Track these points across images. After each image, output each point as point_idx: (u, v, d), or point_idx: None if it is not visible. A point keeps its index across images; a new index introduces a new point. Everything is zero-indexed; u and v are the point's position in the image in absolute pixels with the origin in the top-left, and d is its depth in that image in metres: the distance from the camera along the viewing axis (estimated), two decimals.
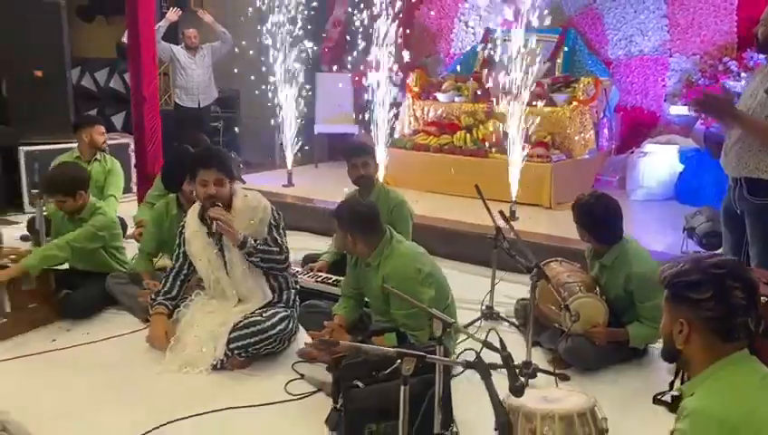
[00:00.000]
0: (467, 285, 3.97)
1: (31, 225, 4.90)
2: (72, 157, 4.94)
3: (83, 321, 3.57)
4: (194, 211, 3.22)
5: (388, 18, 6.14)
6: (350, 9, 7.62)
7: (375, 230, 2.95)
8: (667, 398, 2.76)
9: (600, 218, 3.13)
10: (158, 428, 2.57)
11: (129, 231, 4.81)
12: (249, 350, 3.04)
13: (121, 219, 4.83)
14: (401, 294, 2.38)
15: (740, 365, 1.50)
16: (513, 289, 3.95)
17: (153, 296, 3.32)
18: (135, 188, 6.34)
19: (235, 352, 3.03)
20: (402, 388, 1.97)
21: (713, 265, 1.52)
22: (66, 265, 3.81)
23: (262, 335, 3.03)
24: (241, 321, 3.06)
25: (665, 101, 6.72)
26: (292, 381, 2.95)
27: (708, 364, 1.52)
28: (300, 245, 4.79)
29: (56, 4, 6.27)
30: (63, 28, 6.30)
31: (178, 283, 3.32)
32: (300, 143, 6.94)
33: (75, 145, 5.08)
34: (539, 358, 3.13)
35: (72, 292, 3.67)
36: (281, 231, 3.22)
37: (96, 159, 4.98)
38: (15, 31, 6.13)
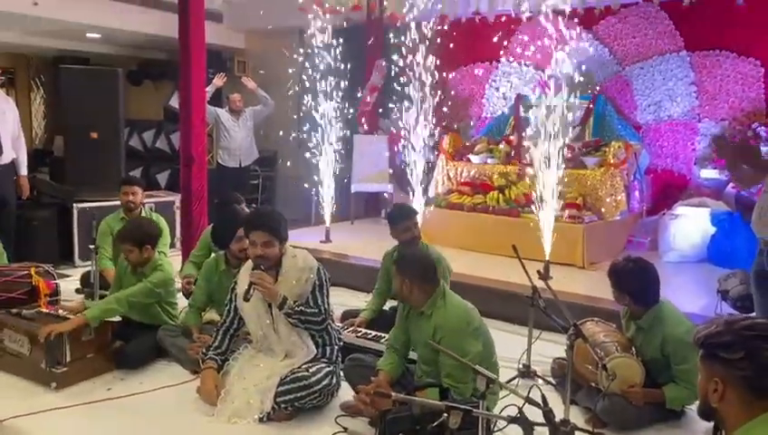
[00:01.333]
0: (503, 344, 4.03)
1: (84, 279, 5.16)
2: (119, 217, 5.20)
3: (136, 371, 3.74)
4: (246, 269, 3.40)
5: (422, 85, 6.45)
6: (386, 75, 7.99)
7: (431, 280, 3.10)
8: None
9: (637, 282, 3.23)
10: None
11: (176, 285, 5.02)
12: (295, 403, 3.16)
13: None
14: (447, 350, 2.52)
15: None
16: (548, 348, 4.03)
17: (204, 351, 3.50)
18: (179, 244, 6.60)
19: (282, 405, 3.15)
20: None
21: (745, 326, 1.63)
22: (119, 317, 4.02)
23: (308, 390, 3.16)
24: (288, 375, 3.19)
25: (695, 164, 6.84)
26: (336, 434, 3.06)
27: (743, 422, 1.61)
28: (337, 300, 4.94)
29: (115, 72, 6.72)
30: (120, 94, 6.71)
31: (228, 338, 3.49)
32: (337, 201, 7.18)
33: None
34: (576, 417, 3.18)
35: (126, 343, 3.86)
36: (324, 292, 3.35)
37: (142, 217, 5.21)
38: (76, 96, 6.56)
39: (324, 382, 3.23)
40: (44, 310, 4.06)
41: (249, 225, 3.36)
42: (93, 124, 6.57)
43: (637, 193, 6.71)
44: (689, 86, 6.88)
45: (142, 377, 3.69)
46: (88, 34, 8.72)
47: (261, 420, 3.14)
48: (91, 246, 4.66)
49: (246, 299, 3.27)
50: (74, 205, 6.33)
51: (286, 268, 3.33)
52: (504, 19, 7.54)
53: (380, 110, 8.42)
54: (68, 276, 5.75)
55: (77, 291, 5.19)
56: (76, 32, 8.40)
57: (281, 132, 8.30)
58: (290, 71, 7.69)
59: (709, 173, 6.63)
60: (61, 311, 4.14)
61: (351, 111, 7.57)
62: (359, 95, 7.99)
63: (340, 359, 3.47)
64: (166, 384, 3.57)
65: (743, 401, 1.61)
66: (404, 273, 3.10)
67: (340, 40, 6.86)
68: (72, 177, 6.63)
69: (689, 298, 4.77)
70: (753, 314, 3.55)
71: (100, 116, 6.58)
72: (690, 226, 6.09)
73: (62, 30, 8.19)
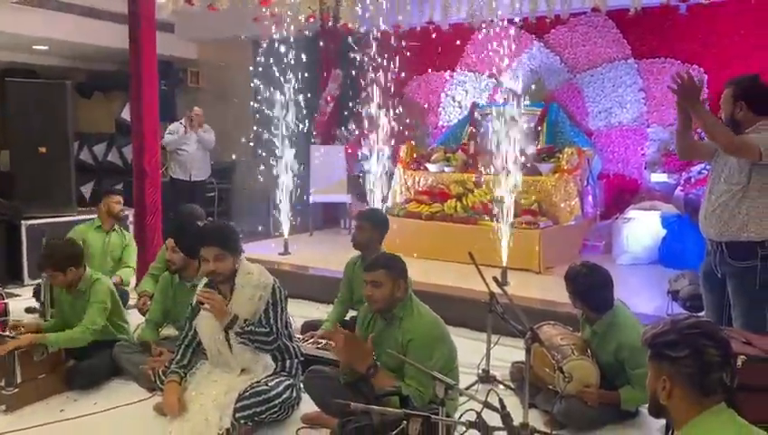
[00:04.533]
0: (463, 350, 4.05)
1: (37, 296, 5.00)
2: (93, 226, 5.26)
3: (90, 390, 3.64)
4: (203, 284, 3.34)
5: (378, 94, 6.48)
6: (341, 85, 8.01)
7: (407, 276, 3.12)
8: None
9: (592, 288, 3.30)
10: None
11: (131, 302, 4.92)
12: (255, 418, 3.11)
13: (124, 290, 4.99)
14: (411, 361, 2.57)
15: (718, 417, 1.64)
16: (507, 352, 4.06)
17: (167, 365, 3.41)
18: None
19: (242, 420, 3.09)
20: None
21: (689, 325, 1.69)
22: None
23: (268, 404, 3.11)
24: (247, 389, 3.14)
25: (645, 168, 7.03)
26: None
27: (691, 417, 1.66)
28: (297, 312, 4.90)
29: (63, 85, 6.55)
30: (68, 107, 6.53)
31: (190, 352, 3.39)
32: (295, 212, 7.13)
33: (87, 217, 5.42)
34: (535, 420, 3.23)
35: (79, 362, 3.75)
36: (278, 310, 3.29)
37: (114, 229, 5.31)
38: (22, 109, 6.38)
39: (284, 396, 3.19)
40: None
41: (200, 240, 3.29)
42: (41, 138, 6.38)
43: (590, 198, 6.86)
44: (638, 93, 7.09)
45: (96, 397, 3.59)
46: (35, 46, 8.48)
47: None
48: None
49: (190, 318, 3.24)
50: (23, 222, 6.14)
51: (241, 284, 3.27)
52: (458, 28, 7.64)
53: (337, 119, 8.42)
54: (17, 296, 5.58)
55: (27, 310, 5.03)
56: (22, 43, 8.17)
57: (236, 144, 8.22)
58: (244, 81, 7.63)
59: (659, 177, 6.83)
60: (14, 330, 4.01)
61: (308, 121, 7.55)
62: (315, 105, 7.97)
63: (300, 372, 3.43)
64: (121, 403, 3.49)
65: (689, 397, 1.66)
66: (399, 272, 3.05)
67: (296, 50, 6.85)
68: (19, 193, 6.42)
69: (642, 300, 4.90)
70: (699, 314, 3.66)
71: (48, 130, 6.40)
72: (642, 229, 6.25)
73: (8, 42, 7.96)
